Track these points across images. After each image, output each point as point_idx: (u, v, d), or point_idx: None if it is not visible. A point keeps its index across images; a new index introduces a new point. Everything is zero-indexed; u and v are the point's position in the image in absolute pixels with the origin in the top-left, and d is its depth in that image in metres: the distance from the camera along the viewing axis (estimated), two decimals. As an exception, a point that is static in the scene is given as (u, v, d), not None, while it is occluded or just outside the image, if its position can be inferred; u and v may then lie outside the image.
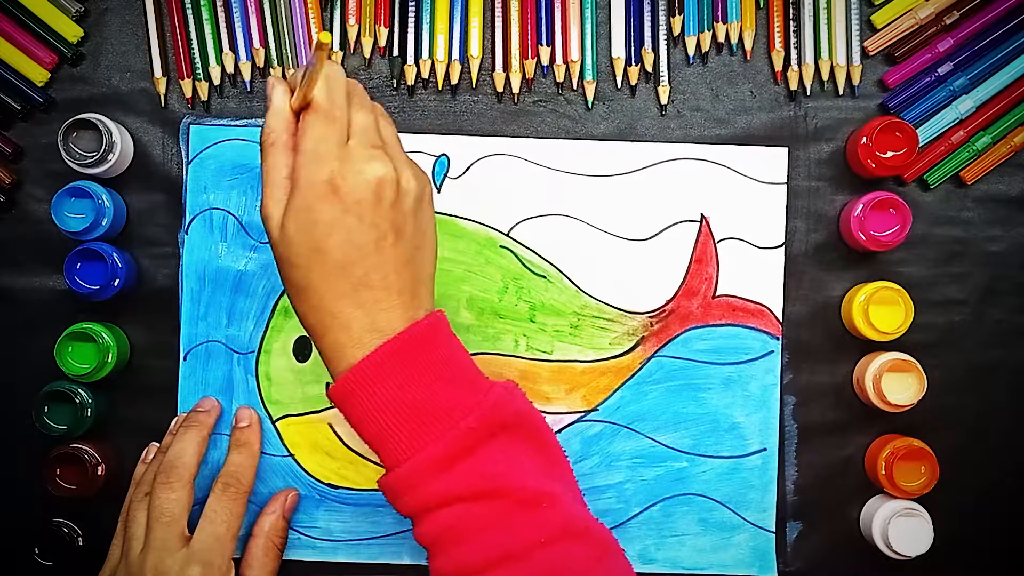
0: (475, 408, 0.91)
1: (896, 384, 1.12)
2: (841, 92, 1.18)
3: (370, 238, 0.90)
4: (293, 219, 0.90)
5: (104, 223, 1.12)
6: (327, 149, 0.90)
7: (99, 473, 1.13)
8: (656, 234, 1.16)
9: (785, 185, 1.17)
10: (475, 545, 0.89)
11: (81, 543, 1.14)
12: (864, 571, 1.17)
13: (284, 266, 0.93)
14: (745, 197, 1.17)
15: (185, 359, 1.17)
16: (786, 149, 1.17)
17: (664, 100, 1.18)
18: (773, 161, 1.17)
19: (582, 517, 0.93)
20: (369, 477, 1.16)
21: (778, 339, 1.17)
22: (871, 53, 1.17)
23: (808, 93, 1.18)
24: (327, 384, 0.98)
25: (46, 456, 1.13)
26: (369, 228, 0.90)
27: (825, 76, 1.18)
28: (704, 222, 1.17)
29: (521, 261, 1.16)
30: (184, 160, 1.17)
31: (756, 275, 1.16)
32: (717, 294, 1.16)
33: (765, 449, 1.16)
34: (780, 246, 1.17)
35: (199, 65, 1.17)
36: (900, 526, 1.11)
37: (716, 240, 1.16)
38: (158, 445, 1.14)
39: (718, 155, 1.17)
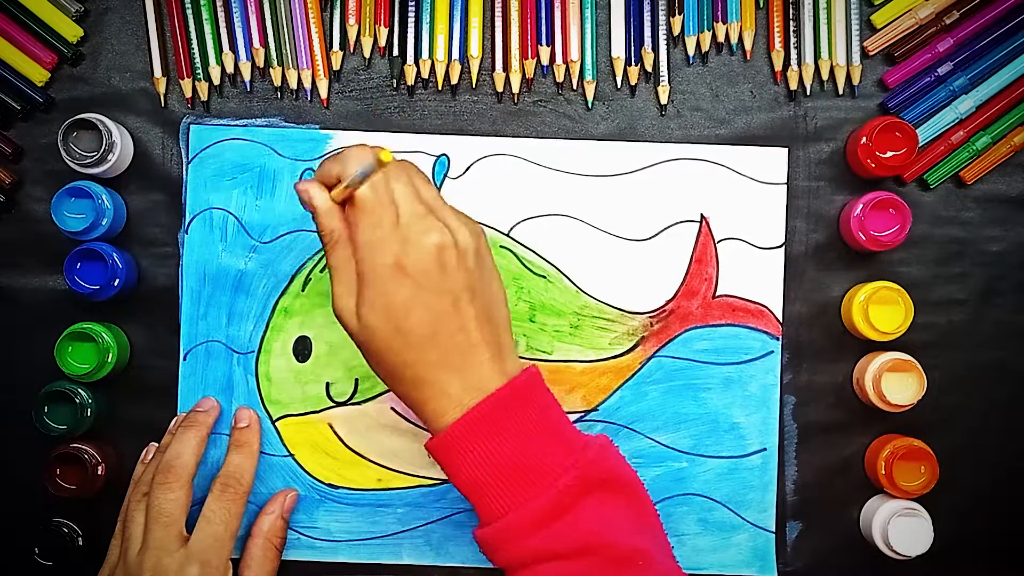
0: (572, 467, 0.92)
1: (896, 384, 1.12)
2: (841, 92, 1.18)
3: (446, 305, 0.93)
4: (369, 308, 0.93)
5: (104, 223, 1.12)
6: (383, 235, 0.92)
7: (99, 473, 1.13)
8: (656, 234, 1.16)
9: (785, 185, 1.17)
10: None
11: (81, 543, 1.14)
12: (864, 571, 1.17)
13: (371, 353, 0.96)
14: (745, 197, 1.17)
15: (185, 359, 1.17)
16: (786, 149, 1.17)
17: (664, 100, 1.18)
18: (773, 161, 1.17)
19: (677, 573, 0.96)
20: (369, 477, 1.16)
21: (778, 339, 1.17)
22: (871, 53, 1.17)
23: (808, 93, 1.18)
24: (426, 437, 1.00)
25: (46, 456, 1.13)
26: (443, 296, 0.93)
27: (825, 76, 1.18)
28: (704, 222, 1.17)
29: (521, 261, 1.16)
30: (184, 160, 1.17)
31: (756, 275, 1.16)
32: (717, 294, 1.16)
33: (765, 449, 1.16)
34: (780, 246, 1.17)
35: (199, 65, 1.17)
36: (900, 526, 1.11)
37: (716, 240, 1.16)
38: (157, 445, 1.14)
39: (718, 155, 1.17)
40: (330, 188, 0.96)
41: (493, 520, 0.93)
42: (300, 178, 1.16)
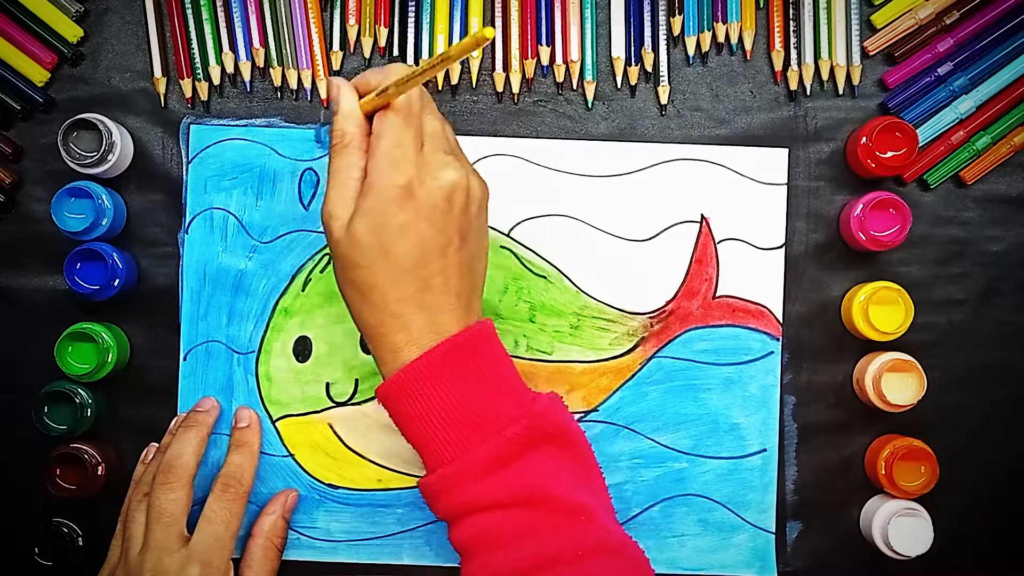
0: (521, 417, 0.92)
1: (896, 384, 1.12)
2: (841, 92, 1.18)
3: (438, 243, 0.92)
4: (363, 221, 0.91)
5: (104, 223, 1.12)
6: (404, 154, 0.91)
7: (99, 473, 1.13)
8: (656, 235, 1.16)
9: (785, 186, 1.17)
10: (510, 552, 0.91)
11: (81, 543, 1.14)
12: (864, 571, 1.17)
13: (347, 266, 0.93)
14: (745, 198, 1.17)
15: (185, 359, 1.17)
16: (786, 150, 1.17)
17: (664, 100, 1.18)
18: (773, 162, 1.17)
19: (619, 533, 0.95)
20: (369, 477, 1.16)
21: (778, 340, 1.17)
22: (871, 53, 1.17)
23: (808, 93, 1.18)
24: (376, 384, 0.98)
25: (46, 456, 1.13)
26: (439, 233, 0.92)
27: (825, 76, 1.18)
28: (704, 223, 1.17)
29: (521, 261, 1.16)
30: (184, 160, 1.17)
31: (756, 276, 1.16)
32: (717, 295, 1.16)
33: (765, 450, 1.16)
34: (780, 247, 1.17)
35: (199, 65, 1.17)
36: (900, 526, 1.11)
37: (716, 241, 1.16)
38: (157, 445, 1.14)
39: (718, 156, 1.17)
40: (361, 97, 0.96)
41: (437, 466, 0.93)
42: (300, 178, 1.16)
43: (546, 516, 0.91)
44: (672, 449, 1.15)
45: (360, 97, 0.96)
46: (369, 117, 0.95)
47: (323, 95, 1.18)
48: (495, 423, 0.92)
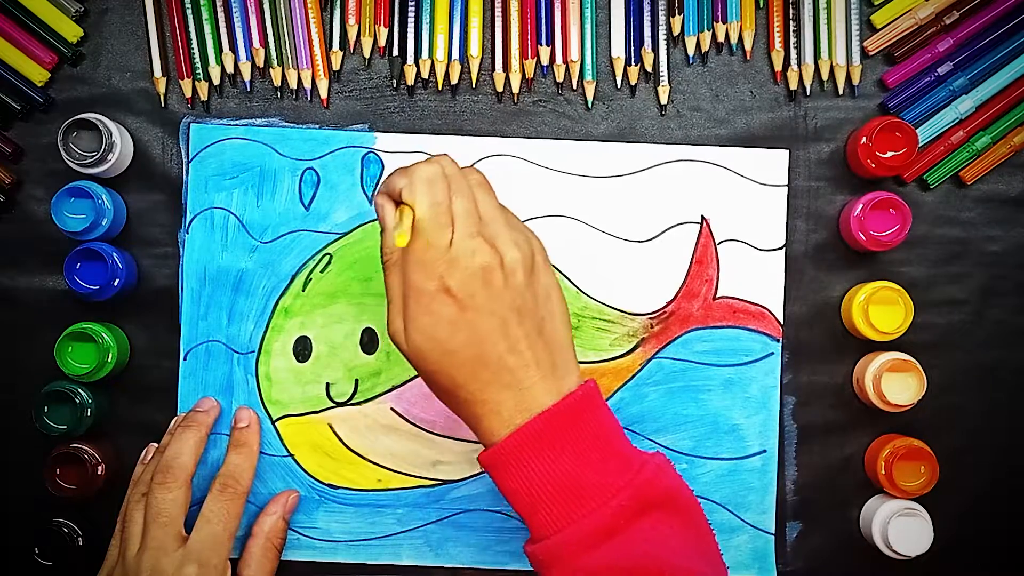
0: (627, 486, 0.91)
1: (896, 384, 1.12)
2: (841, 92, 1.18)
3: (493, 325, 0.92)
4: (414, 329, 0.92)
5: (104, 223, 1.12)
6: (433, 257, 0.91)
7: (99, 473, 1.13)
8: (656, 235, 1.16)
9: (786, 187, 1.17)
10: None
11: (81, 543, 1.14)
12: (864, 571, 1.18)
13: (424, 373, 0.95)
14: (746, 199, 1.17)
15: (185, 359, 1.17)
16: (787, 151, 1.17)
17: (664, 100, 1.18)
18: (774, 163, 1.17)
19: None
20: (369, 478, 1.16)
21: (778, 341, 1.17)
22: (871, 53, 1.17)
23: (808, 93, 1.18)
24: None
25: (46, 456, 1.13)
26: (490, 317, 0.92)
27: (825, 76, 1.18)
28: (704, 224, 1.17)
29: (521, 262, 1.16)
30: (184, 159, 1.17)
31: (757, 277, 1.16)
32: (717, 296, 1.16)
33: (765, 451, 1.16)
34: (780, 248, 1.17)
35: (199, 65, 1.17)
36: (900, 526, 1.11)
37: (717, 242, 1.16)
38: (157, 445, 1.14)
39: (719, 157, 1.17)
40: (397, 202, 0.95)
41: (545, 536, 0.91)
42: (301, 178, 1.16)
43: None
44: (672, 450, 1.15)
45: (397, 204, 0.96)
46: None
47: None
48: (602, 494, 0.90)
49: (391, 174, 0.97)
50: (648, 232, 1.16)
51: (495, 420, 0.92)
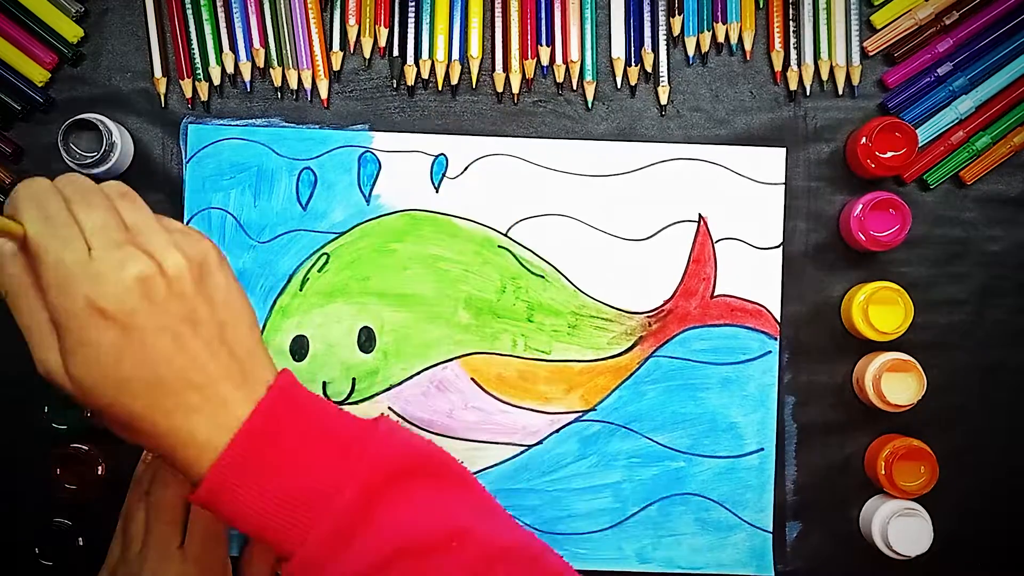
0: (351, 476, 0.83)
1: (896, 384, 1.12)
2: (841, 92, 1.18)
3: (165, 342, 0.79)
4: (74, 363, 0.79)
5: (104, 223, 1.12)
6: (68, 272, 0.78)
7: (99, 473, 1.13)
8: (654, 234, 1.16)
9: (783, 185, 1.17)
10: None
11: (81, 543, 1.14)
12: (864, 571, 1.18)
13: (97, 412, 0.81)
14: (743, 197, 1.17)
15: (184, 359, 1.17)
16: (783, 149, 1.17)
17: (664, 100, 1.18)
18: (771, 161, 1.17)
19: (500, 537, 0.87)
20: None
21: (776, 339, 1.17)
22: (871, 53, 1.17)
23: (808, 93, 1.18)
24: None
25: (46, 456, 1.13)
26: (158, 333, 0.79)
27: (825, 76, 1.18)
28: (702, 222, 1.17)
29: (519, 261, 1.16)
30: (184, 160, 1.17)
31: (754, 275, 1.17)
32: (715, 294, 1.16)
33: (762, 449, 1.16)
34: (778, 246, 1.17)
35: (199, 65, 1.17)
36: (900, 526, 1.11)
37: (714, 240, 1.16)
38: (157, 445, 1.14)
39: (716, 155, 1.17)
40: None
41: (290, 556, 0.82)
42: (298, 177, 1.16)
43: (412, 566, 0.82)
44: (670, 448, 1.15)
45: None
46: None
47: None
48: (322, 496, 0.82)
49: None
50: (645, 231, 1.17)
51: (192, 450, 0.81)
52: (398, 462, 0.85)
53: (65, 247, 0.78)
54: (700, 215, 1.17)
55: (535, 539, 0.90)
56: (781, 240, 1.17)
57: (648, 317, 1.16)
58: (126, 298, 0.77)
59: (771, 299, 1.17)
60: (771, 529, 1.16)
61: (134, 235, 0.82)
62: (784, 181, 1.17)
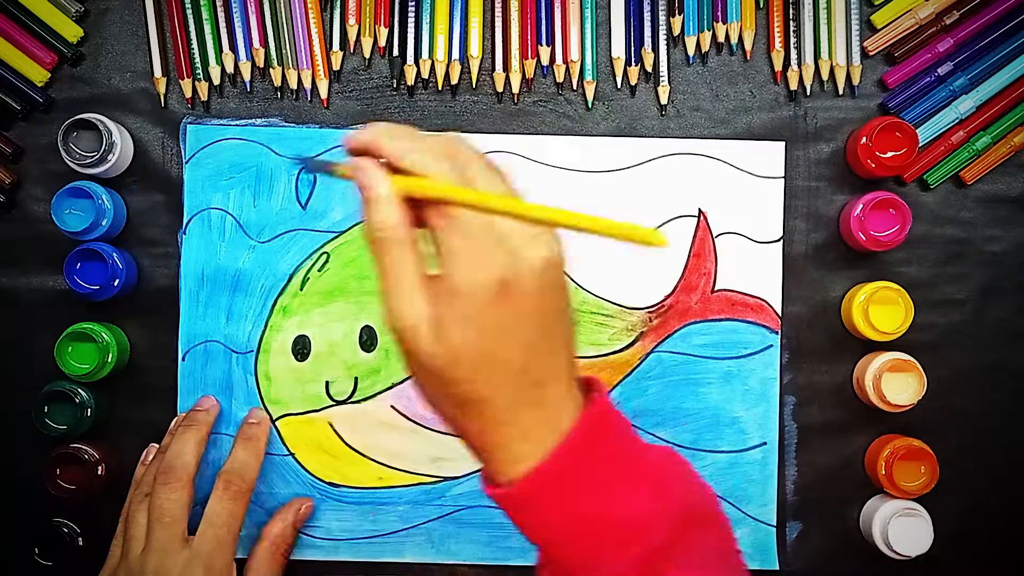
0: (661, 515, 0.78)
1: (896, 384, 1.12)
2: (841, 92, 1.18)
3: (544, 331, 0.77)
4: (458, 331, 0.74)
5: (104, 223, 1.13)
6: (488, 245, 0.74)
7: (99, 473, 1.13)
8: (654, 229, 1.16)
9: (783, 179, 1.17)
10: None
11: (81, 543, 1.14)
12: (864, 571, 1.17)
13: (444, 383, 0.77)
14: (743, 192, 1.17)
15: (184, 359, 1.17)
16: (783, 143, 1.18)
17: (664, 100, 1.18)
18: (770, 155, 1.17)
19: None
20: (370, 475, 1.16)
21: (777, 333, 1.17)
22: (871, 53, 1.17)
23: (808, 93, 1.18)
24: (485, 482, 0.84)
25: (46, 456, 1.13)
26: (541, 319, 0.76)
27: (825, 76, 1.18)
28: (702, 217, 1.17)
29: (520, 258, 1.16)
30: (183, 160, 1.17)
31: (754, 269, 1.17)
32: (716, 289, 1.16)
33: (765, 443, 1.16)
34: (778, 240, 1.17)
35: (199, 65, 1.17)
36: (900, 526, 1.11)
37: (714, 235, 1.16)
38: (158, 446, 1.14)
39: (715, 150, 1.17)
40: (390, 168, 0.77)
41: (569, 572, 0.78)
42: (297, 177, 1.16)
43: None
44: (672, 444, 1.15)
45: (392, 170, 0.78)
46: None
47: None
48: (637, 528, 0.77)
49: (367, 131, 0.78)
50: (645, 226, 1.16)
51: (524, 445, 0.77)
52: (696, 508, 0.81)
53: (486, 219, 0.75)
54: (700, 210, 1.17)
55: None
56: (781, 234, 1.17)
57: (649, 313, 1.16)
58: (530, 280, 0.74)
59: (772, 293, 1.17)
60: (775, 523, 1.17)
61: None
62: (784, 175, 1.17)
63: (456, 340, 0.74)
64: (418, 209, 0.77)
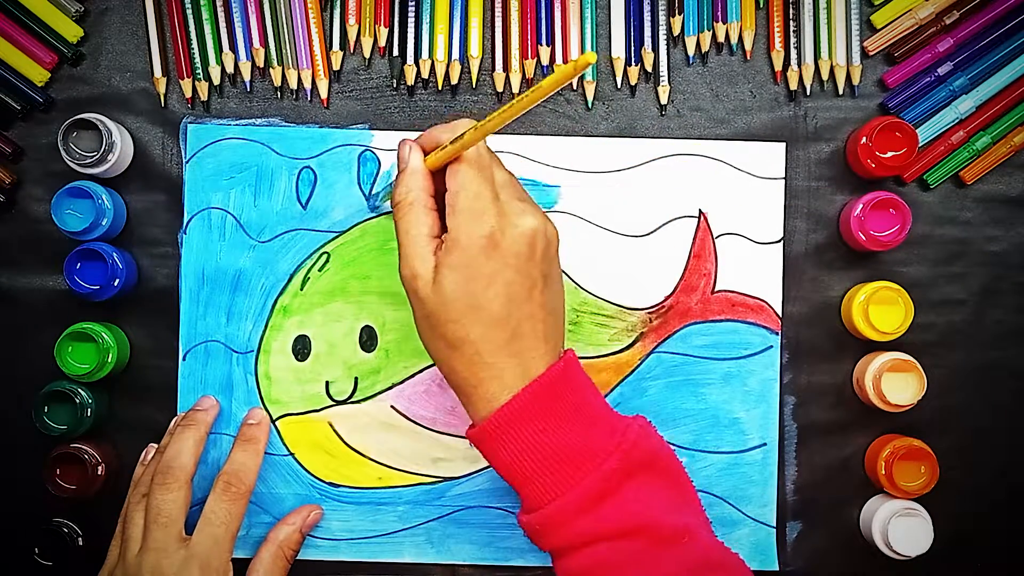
0: (615, 450, 0.93)
1: (896, 384, 1.12)
2: (841, 92, 1.18)
3: (524, 288, 0.94)
4: (451, 276, 0.92)
5: (104, 223, 1.12)
6: (484, 206, 0.93)
7: (99, 473, 1.13)
8: (654, 230, 1.16)
9: (783, 180, 1.17)
10: None
11: (81, 543, 1.14)
12: (864, 571, 1.17)
13: (437, 323, 0.94)
14: (743, 192, 1.17)
15: (184, 359, 1.17)
16: (783, 144, 1.17)
17: (664, 100, 1.18)
18: (771, 156, 1.17)
19: (718, 548, 0.97)
20: (370, 475, 1.16)
21: (777, 334, 1.17)
22: (871, 53, 1.17)
23: (808, 93, 1.18)
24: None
25: (46, 456, 1.13)
26: (524, 279, 0.94)
27: (825, 76, 1.18)
28: (702, 218, 1.17)
29: (520, 258, 1.16)
30: (183, 159, 1.17)
31: (755, 270, 1.16)
32: (716, 289, 1.16)
33: (765, 444, 1.16)
34: (778, 241, 1.17)
35: (199, 65, 1.17)
36: (900, 526, 1.11)
37: (714, 235, 1.16)
38: (157, 446, 1.14)
39: (716, 151, 1.17)
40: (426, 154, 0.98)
41: (540, 506, 0.93)
42: (298, 177, 1.16)
43: (649, 544, 0.92)
44: (673, 444, 1.14)
45: (425, 155, 0.98)
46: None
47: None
48: (592, 459, 0.93)
49: (431, 129, 0.99)
50: (646, 227, 1.17)
51: (496, 385, 0.94)
52: (652, 453, 0.96)
53: (486, 184, 0.94)
54: (700, 211, 1.17)
55: (742, 561, 0.98)
56: (782, 235, 1.17)
57: (649, 313, 1.16)
58: (518, 240, 0.94)
59: (772, 294, 1.17)
60: (775, 524, 1.16)
61: (524, 199, 0.99)
62: (784, 175, 1.17)
63: (448, 285, 0.93)
64: (440, 181, 0.97)
